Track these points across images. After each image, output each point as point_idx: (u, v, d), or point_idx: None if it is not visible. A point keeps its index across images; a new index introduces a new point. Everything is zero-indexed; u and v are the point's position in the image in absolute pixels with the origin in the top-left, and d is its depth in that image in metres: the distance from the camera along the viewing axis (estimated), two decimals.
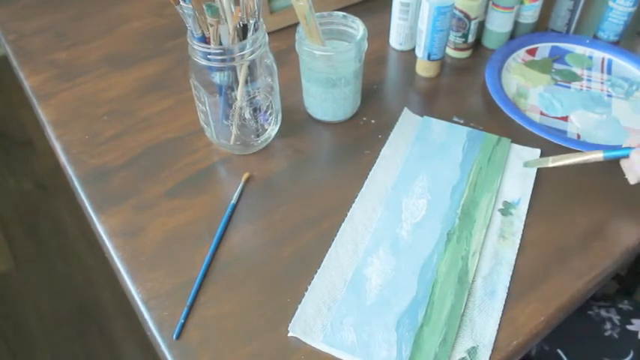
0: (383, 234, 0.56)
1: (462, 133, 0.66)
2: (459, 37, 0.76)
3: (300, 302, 0.50)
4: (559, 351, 0.68)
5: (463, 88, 0.74)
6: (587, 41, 0.79)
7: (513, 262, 0.53)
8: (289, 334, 0.48)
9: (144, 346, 1.32)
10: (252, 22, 0.55)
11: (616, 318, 0.68)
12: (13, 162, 1.78)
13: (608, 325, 0.66)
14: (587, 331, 0.67)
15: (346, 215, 0.58)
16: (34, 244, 1.54)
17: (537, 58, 0.78)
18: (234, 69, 0.56)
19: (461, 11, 0.72)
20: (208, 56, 0.54)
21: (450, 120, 0.68)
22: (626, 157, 0.52)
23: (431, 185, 0.60)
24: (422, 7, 0.69)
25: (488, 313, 0.49)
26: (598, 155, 0.52)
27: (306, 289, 0.51)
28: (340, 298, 0.51)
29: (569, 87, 0.73)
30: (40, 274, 1.47)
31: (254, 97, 0.59)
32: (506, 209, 0.58)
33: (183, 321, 0.49)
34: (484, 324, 0.49)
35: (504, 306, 0.50)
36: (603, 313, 0.69)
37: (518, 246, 0.55)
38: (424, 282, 0.52)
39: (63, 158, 0.65)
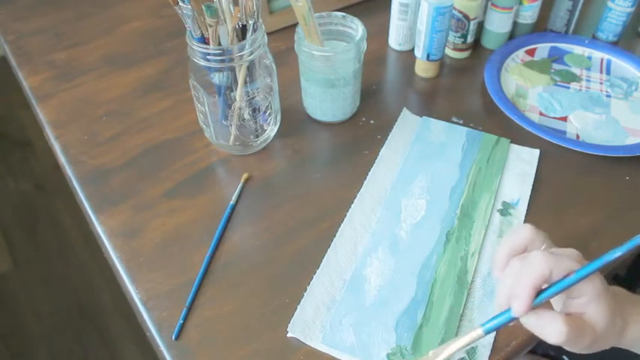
0: (382, 234, 0.56)
1: (461, 134, 0.66)
2: (458, 37, 0.76)
3: (299, 303, 0.50)
4: (565, 357, 0.67)
5: (462, 88, 0.74)
6: (586, 42, 0.79)
7: None
8: (288, 335, 0.48)
9: (143, 347, 1.31)
10: (251, 22, 0.55)
11: None
12: (12, 162, 1.78)
13: None
14: None
15: (345, 216, 0.58)
16: (32, 245, 1.54)
17: (536, 58, 0.78)
18: (233, 69, 0.56)
19: (460, 12, 0.73)
20: (207, 57, 0.54)
21: (449, 120, 0.68)
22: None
23: (430, 185, 0.60)
24: (421, 7, 0.69)
25: (488, 313, 0.49)
26: (478, 332, 0.43)
27: (306, 290, 0.51)
28: (339, 298, 0.51)
29: (568, 87, 0.73)
30: (38, 275, 1.47)
31: (253, 98, 0.59)
32: (506, 209, 0.58)
33: (182, 321, 0.49)
34: None
35: None
36: None
37: None
38: (423, 282, 0.52)
39: (62, 159, 0.65)
